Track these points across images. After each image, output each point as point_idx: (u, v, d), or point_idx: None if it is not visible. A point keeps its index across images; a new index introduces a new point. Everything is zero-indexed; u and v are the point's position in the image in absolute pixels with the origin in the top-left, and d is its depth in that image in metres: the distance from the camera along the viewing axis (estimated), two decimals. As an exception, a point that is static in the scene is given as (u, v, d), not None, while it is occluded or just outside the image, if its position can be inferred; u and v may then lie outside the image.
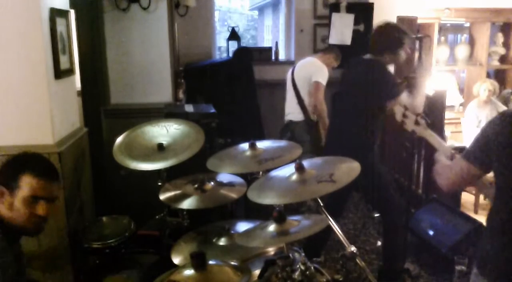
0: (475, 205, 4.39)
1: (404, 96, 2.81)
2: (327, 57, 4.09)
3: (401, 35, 2.88)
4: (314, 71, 3.95)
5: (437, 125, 3.78)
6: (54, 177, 1.73)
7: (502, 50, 5.42)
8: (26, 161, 1.70)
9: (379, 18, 4.62)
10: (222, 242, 2.03)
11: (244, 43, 12.32)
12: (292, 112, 4.03)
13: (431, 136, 2.04)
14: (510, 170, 1.54)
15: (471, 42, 5.47)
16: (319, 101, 3.85)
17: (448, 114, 4.63)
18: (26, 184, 1.63)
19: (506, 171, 1.55)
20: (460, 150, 1.82)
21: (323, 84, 3.86)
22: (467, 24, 5.59)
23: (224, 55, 5.92)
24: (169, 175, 2.42)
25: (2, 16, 2.22)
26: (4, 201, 1.62)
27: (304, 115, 3.97)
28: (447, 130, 4.48)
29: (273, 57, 5.44)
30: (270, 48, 5.52)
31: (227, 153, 2.32)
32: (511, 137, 1.53)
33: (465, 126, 4.88)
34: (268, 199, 1.76)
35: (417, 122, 2.11)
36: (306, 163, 1.86)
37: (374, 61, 2.89)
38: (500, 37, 5.40)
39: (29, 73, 2.29)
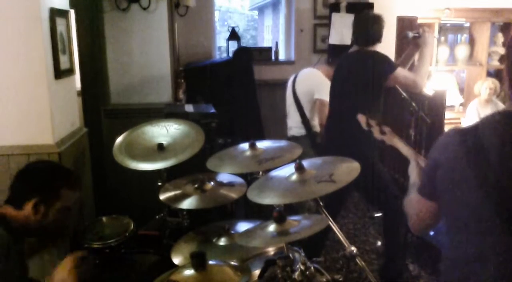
0: (475, 205, 4.38)
1: (405, 72, 2.83)
2: (331, 71, 3.67)
3: (383, 22, 2.94)
4: (316, 86, 3.70)
5: (437, 125, 3.78)
6: (81, 189, 1.87)
7: (502, 50, 5.42)
8: (65, 174, 1.78)
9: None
10: (222, 242, 2.03)
11: (244, 43, 12.33)
12: (295, 127, 3.82)
13: (399, 144, 1.94)
14: (460, 203, 1.23)
15: (471, 42, 5.47)
16: (325, 118, 3.57)
17: (448, 114, 4.63)
18: (65, 197, 1.71)
19: (455, 204, 1.26)
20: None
21: (327, 100, 3.54)
22: (467, 24, 5.59)
23: (224, 55, 5.92)
24: (169, 175, 2.41)
25: (2, 16, 2.22)
26: (38, 210, 1.65)
27: (307, 129, 3.77)
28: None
29: (273, 57, 5.44)
30: (270, 48, 5.51)
31: (227, 153, 2.32)
32: (456, 164, 1.24)
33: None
34: (268, 199, 1.76)
35: (382, 132, 2.00)
36: (306, 163, 1.86)
37: (362, 50, 2.94)
38: (500, 37, 5.40)
39: (29, 73, 2.29)
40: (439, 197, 1.32)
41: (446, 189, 1.28)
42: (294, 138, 3.79)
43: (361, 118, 2.08)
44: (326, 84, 3.65)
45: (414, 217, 1.44)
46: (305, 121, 3.75)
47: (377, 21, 2.95)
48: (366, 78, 2.79)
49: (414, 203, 1.42)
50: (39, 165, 1.78)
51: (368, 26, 2.93)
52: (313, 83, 3.74)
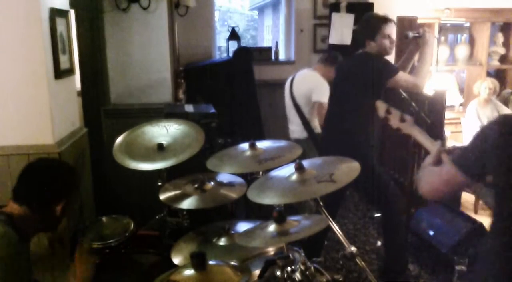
0: (475, 205, 4.39)
1: (406, 76, 2.83)
2: (328, 70, 3.73)
3: (376, 20, 2.92)
4: (314, 89, 3.67)
5: (437, 125, 3.78)
6: None
7: (502, 50, 5.43)
8: (75, 170, 1.87)
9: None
10: (222, 242, 2.03)
11: (244, 43, 12.32)
12: (296, 130, 3.81)
13: (419, 134, 1.85)
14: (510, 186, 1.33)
15: (471, 42, 5.48)
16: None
17: (448, 114, 4.63)
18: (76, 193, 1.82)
19: (506, 186, 1.35)
20: (449, 151, 1.69)
21: (326, 102, 3.50)
22: (467, 24, 5.59)
23: (224, 55, 5.92)
24: (169, 175, 2.42)
25: (2, 16, 2.22)
26: (65, 209, 1.72)
27: (308, 131, 3.75)
28: (447, 130, 4.48)
29: (273, 57, 5.44)
30: (270, 48, 5.51)
31: (227, 153, 2.32)
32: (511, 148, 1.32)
33: (466, 126, 4.88)
34: (268, 199, 1.76)
35: (402, 119, 1.93)
36: (306, 163, 1.86)
37: (363, 52, 2.94)
38: (500, 37, 5.40)
39: (29, 73, 2.29)
40: (486, 176, 1.39)
41: (500, 172, 1.35)
42: (297, 141, 3.75)
43: (380, 105, 2.03)
44: (324, 85, 3.65)
45: (438, 183, 1.52)
46: (306, 123, 3.74)
47: (368, 18, 2.99)
48: (366, 81, 2.79)
49: (446, 172, 1.49)
50: (59, 168, 1.79)
51: (360, 26, 2.99)
52: (310, 85, 3.72)
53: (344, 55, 3.83)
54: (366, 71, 2.80)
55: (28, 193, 1.65)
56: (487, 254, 1.46)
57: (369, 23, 2.95)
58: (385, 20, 2.92)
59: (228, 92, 4.43)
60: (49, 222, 1.69)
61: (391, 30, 2.91)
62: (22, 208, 1.62)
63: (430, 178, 1.56)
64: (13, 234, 1.55)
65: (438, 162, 1.63)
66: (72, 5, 2.84)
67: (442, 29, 4.96)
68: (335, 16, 4.75)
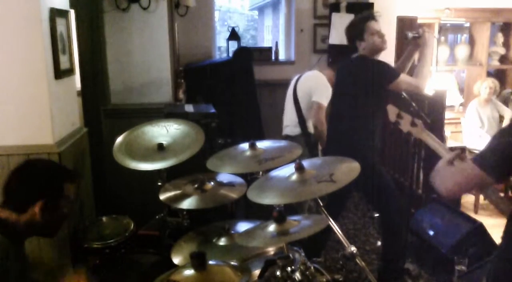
0: (475, 205, 4.40)
1: (408, 78, 2.84)
2: (333, 74, 3.69)
3: (359, 19, 2.96)
4: (316, 89, 3.65)
5: (437, 125, 3.78)
6: (81, 176, 1.88)
7: (502, 50, 5.43)
8: (63, 170, 1.77)
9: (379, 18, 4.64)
10: (222, 242, 2.03)
11: (244, 43, 12.31)
12: (290, 125, 3.79)
13: (429, 138, 1.88)
14: None
15: (471, 42, 5.48)
16: (320, 122, 3.55)
17: (448, 114, 4.64)
18: (67, 191, 1.68)
19: None
20: (462, 150, 1.69)
21: (324, 104, 3.55)
22: (467, 24, 5.60)
23: (224, 55, 5.92)
24: (169, 175, 2.42)
25: (2, 16, 2.22)
26: (45, 211, 1.63)
27: (302, 129, 3.72)
28: (447, 130, 4.49)
29: (273, 57, 5.44)
30: (270, 48, 5.51)
31: (227, 153, 2.32)
32: None
33: (466, 126, 4.88)
34: (268, 199, 1.76)
35: (413, 123, 1.95)
36: (306, 163, 1.86)
37: (361, 55, 2.94)
38: (500, 37, 5.41)
39: (29, 73, 2.29)
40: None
41: None
42: (288, 138, 3.76)
43: (391, 109, 2.02)
44: (326, 88, 3.62)
45: (458, 181, 1.53)
46: (302, 121, 3.72)
47: (353, 20, 3.04)
48: (367, 84, 2.79)
49: (468, 171, 1.49)
50: (37, 166, 1.73)
51: (347, 29, 3.04)
52: (313, 85, 3.70)
53: (344, 56, 3.83)
54: (367, 75, 2.80)
55: (3, 194, 1.62)
56: (499, 256, 1.46)
57: (353, 24, 2.99)
58: (367, 17, 2.94)
59: (228, 92, 4.43)
60: (34, 226, 1.62)
61: (377, 26, 2.93)
62: (5, 210, 1.59)
63: (451, 176, 1.55)
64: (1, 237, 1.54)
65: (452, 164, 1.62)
66: (72, 5, 2.84)
67: (442, 29, 4.97)
68: (335, 16, 4.75)
